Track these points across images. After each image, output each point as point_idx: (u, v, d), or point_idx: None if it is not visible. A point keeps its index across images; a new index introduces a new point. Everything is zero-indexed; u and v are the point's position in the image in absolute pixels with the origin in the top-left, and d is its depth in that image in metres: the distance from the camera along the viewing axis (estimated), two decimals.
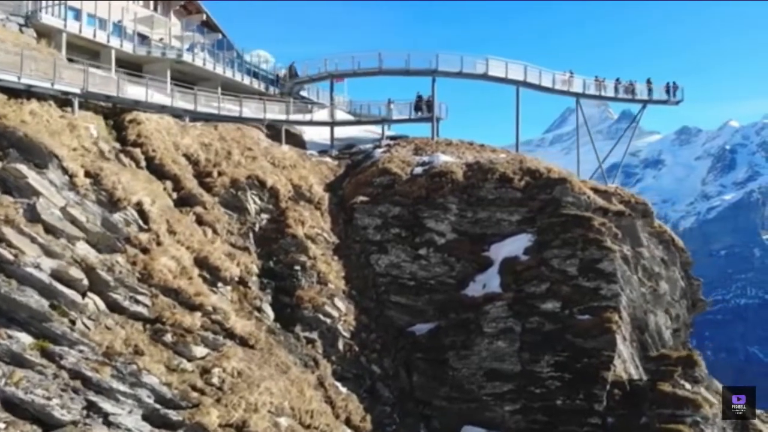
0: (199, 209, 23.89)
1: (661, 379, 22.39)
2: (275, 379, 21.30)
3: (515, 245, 27.78)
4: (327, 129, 34.82)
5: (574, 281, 25.92)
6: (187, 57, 31.34)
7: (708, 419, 21.53)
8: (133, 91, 26.35)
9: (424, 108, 34.08)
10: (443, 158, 30.69)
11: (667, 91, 41.76)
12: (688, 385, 22.20)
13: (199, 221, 23.80)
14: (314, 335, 25.21)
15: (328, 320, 25.42)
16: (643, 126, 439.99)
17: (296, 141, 33.12)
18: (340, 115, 37.20)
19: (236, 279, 23.50)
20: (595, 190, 30.50)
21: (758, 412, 43.80)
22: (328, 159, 32.59)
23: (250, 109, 31.09)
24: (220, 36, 36.99)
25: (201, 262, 22.29)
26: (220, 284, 22.90)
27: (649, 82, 40.86)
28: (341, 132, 35.68)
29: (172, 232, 21.89)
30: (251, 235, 25.65)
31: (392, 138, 35.44)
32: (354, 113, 39.78)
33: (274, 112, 31.51)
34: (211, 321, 20.90)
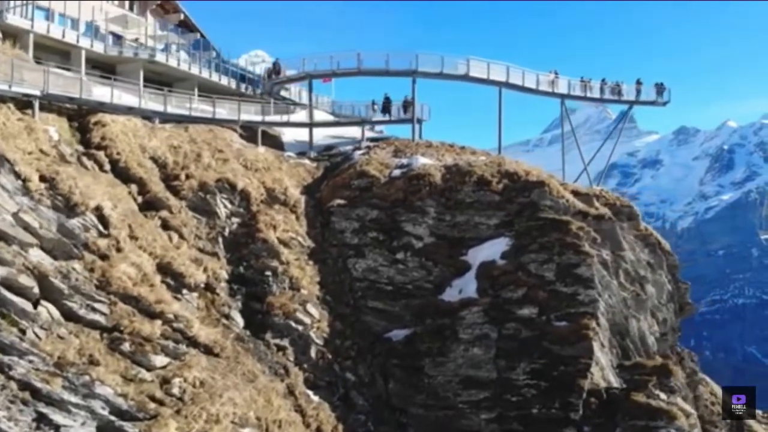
0: (164, 213, 23.31)
1: (635, 389, 21.80)
2: (240, 389, 20.70)
3: (492, 249, 27.22)
4: (308, 130, 34.22)
5: (552, 286, 25.36)
6: (160, 57, 30.74)
7: (684, 431, 20.92)
8: (102, 92, 25.78)
9: (397, 110, 33.57)
10: (422, 160, 30.12)
11: (657, 92, 41.13)
12: (663, 396, 21.60)
13: (165, 226, 23.22)
14: (285, 342, 24.61)
15: (300, 327, 24.83)
16: (641, 126, 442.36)
17: (274, 142, 32.53)
18: (321, 116, 36.62)
19: (202, 285, 22.91)
20: (577, 193, 29.91)
21: (757, 412, 43.50)
22: (306, 161, 32.02)
23: (225, 110, 30.50)
24: (198, 36, 36.38)
25: (164, 269, 21.70)
26: (185, 291, 22.32)
27: (638, 82, 40.23)
28: (323, 133, 35.09)
29: (133, 237, 21.31)
30: (221, 239, 25.05)
31: (374, 140, 34.87)
32: (336, 114, 39.19)
33: (250, 113, 30.89)
34: (173, 329, 20.29)
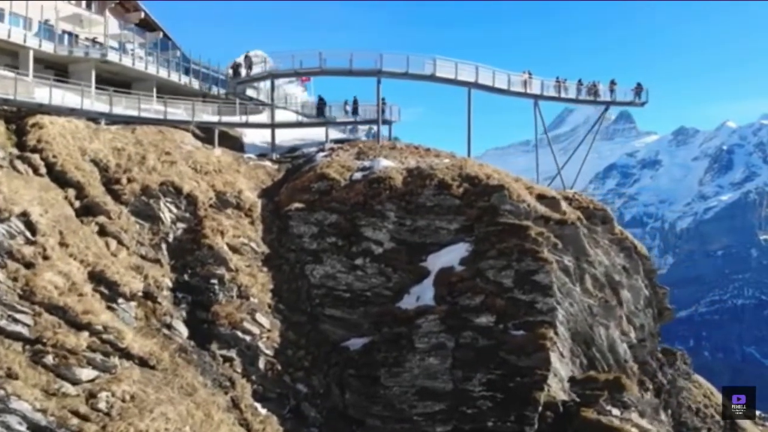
0: (102, 219, 22.37)
1: (585, 405, 20.81)
2: (176, 403, 19.80)
3: (451, 255, 26.25)
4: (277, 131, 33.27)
5: (510, 294, 24.39)
6: (113, 57, 29.76)
7: None
8: (46, 93, 24.85)
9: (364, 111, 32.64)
10: (384, 163, 29.15)
11: (636, 93, 40.16)
12: (616, 411, 20.62)
13: (102, 232, 22.29)
14: (232, 353, 23.70)
15: (248, 337, 23.88)
16: (640, 127, 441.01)
17: (234, 144, 31.58)
18: (289, 116, 35.60)
19: (140, 294, 21.96)
20: (542, 197, 28.92)
21: (759, 413, 42.56)
22: (267, 163, 31.06)
23: (182, 110, 29.53)
24: (160, 35, 35.40)
25: (97, 277, 20.78)
26: (121, 300, 21.38)
27: (612, 83, 39.24)
28: (291, 135, 34.14)
29: (64, 244, 20.37)
30: (164, 246, 24.12)
31: (340, 141, 33.90)
32: (307, 115, 38.18)
33: (208, 114, 29.91)
34: (101, 341, 19.38)
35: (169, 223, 24.53)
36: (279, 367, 24.22)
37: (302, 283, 27.42)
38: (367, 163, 29.49)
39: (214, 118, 30.25)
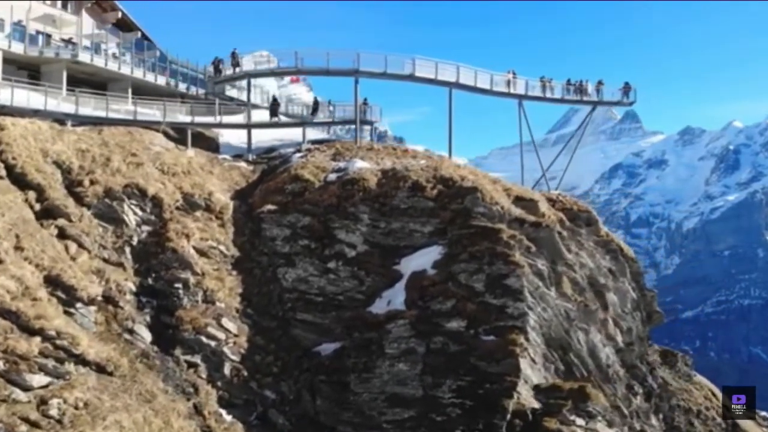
0: (62, 222, 21.96)
1: (548, 414, 20.21)
2: (132, 410, 19.38)
3: (424, 258, 25.71)
4: (255, 131, 32.81)
5: (481, 298, 23.83)
6: (83, 57, 29.38)
7: None
8: (14, 94, 24.46)
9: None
10: (359, 164, 28.64)
11: (624, 92, 39.49)
12: (580, 421, 19.98)
13: (62, 235, 21.87)
14: (197, 359, 23.21)
15: (213, 342, 23.40)
16: (646, 127, 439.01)
17: (209, 145, 31.13)
18: (260, 116, 34.99)
19: (99, 298, 21.53)
20: (520, 199, 28.31)
21: (764, 414, 42.01)
22: (242, 164, 30.62)
23: (154, 111, 29.11)
24: (138, 35, 35.00)
25: (53, 281, 20.35)
26: (79, 305, 20.94)
27: (599, 83, 38.57)
28: (270, 135, 33.66)
29: (19, 248, 19.98)
30: (128, 249, 23.67)
31: (319, 142, 33.40)
32: (290, 115, 37.75)
33: (183, 114, 29.47)
34: (55, 346, 18.94)
35: (133, 225, 24.08)
36: (245, 373, 23.74)
37: (274, 287, 26.93)
38: (342, 164, 28.99)
39: (186, 119, 29.80)
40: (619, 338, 34.90)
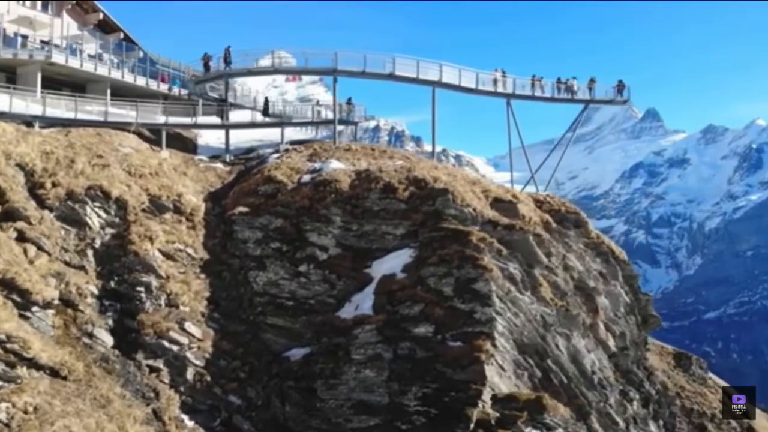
0: (21, 224, 21.70)
1: (503, 426, 19.45)
2: (84, 415, 19.07)
3: (395, 262, 25.10)
4: (236, 132, 32.50)
5: (449, 303, 23.16)
6: (58, 58, 29.19)
7: None
8: None
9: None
10: (333, 165, 28.09)
11: (618, 90, 38.46)
12: None
13: (21, 238, 21.61)
14: (159, 363, 22.89)
15: (175, 347, 23.04)
16: (667, 125, 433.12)
17: (186, 146, 30.80)
18: (240, 117, 34.55)
19: (56, 302, 21.25)
20: (499, 201, 27.54)
21: None
22: (219, 165, 30.23)
23: (127, 111, 28.84)
24: (121, 36, 34.80)
25: (7, 285, 20.05)
26: (35, 308, 20.66)
27: (591, 81, 37.56)
28: (249, 135, 33.27)
29: None
30: (90, 252, 23.35)
31: (299, 142, 32.92)
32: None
33: (158, 114, 29.17)
34: (5, 350, 18.69)
35: (97, 228, 23.77)
36: (209, 378, 23.34)
37: (245, 291, 26.50)
38: (317, 165, 28.47)
39: (160, 120, 29.49)
40: (612, 343, 33.98)
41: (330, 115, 35.64)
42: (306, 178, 27.89)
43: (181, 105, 31.71)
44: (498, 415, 19.68)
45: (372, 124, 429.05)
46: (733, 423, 40.09)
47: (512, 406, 19.82)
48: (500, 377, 22.31)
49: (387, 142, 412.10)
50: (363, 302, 24.49)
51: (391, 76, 32.22)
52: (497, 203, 27.63)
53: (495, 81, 34.94)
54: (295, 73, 32.51)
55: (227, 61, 34.60)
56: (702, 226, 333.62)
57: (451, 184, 25.63)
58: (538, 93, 36.66)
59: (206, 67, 35.19)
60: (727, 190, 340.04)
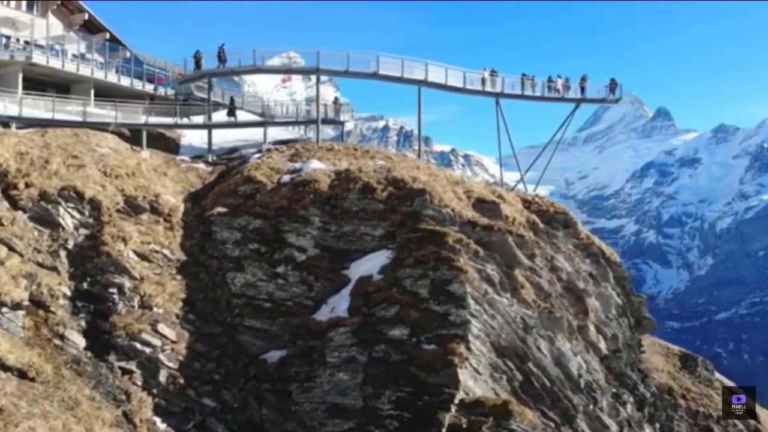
0: None
1: None
2: (51, 417, 18.94)
3: (373, 263, 24.75)
4: (219, 132, 32.28)
5: (425, 305, 22.78)
6: (38, 59, 29.11)
7: None
8: None
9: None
10: (314, 165, 27.81)
11: (609, 89, 37.89)
12: None
13: None
14: (132, 365, 22.70)
15: (148, 349, 22.83)
16: (678, 124, 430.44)
17: (168, 146, 30.61)
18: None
19: (26, 303, 21.13)
20: (482, 201, 27.13)
21: None
22: (201, 165, 30.03)
23: (107, 111, 28.69)
24: (107, 36, 34.68)
25: None
26: (5, 309, 20.59)
27: (582, 79, 37.02)
28: (234, 135, 33.04)
29: None
30: (64, 253, 23.23)
31: (284, 142, 32.65)
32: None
33: (138, 115, 29.00)
34: None
35: (71, 229, 23.63)
36: (182, 381, 23.11)
37: (222, 292, 26.25)
38: (297, 165, 28.19)
39: (141, 120, 29.33)
40: (603, 345, 33.50)
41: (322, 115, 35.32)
42: (286, 178, 27.62)
43: (165, 105, 31.53)
44: (465, 420, 19.21)
45: (381, 124, 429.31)
46: (740, 425, 39.72)
47: (478, 412, 19.38)
48: (475, 381, 21.90)
49: (396, 141, 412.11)
50: (339, 304, 24.17)
51: (375, 75, 31.90)
52: (480, 204, 27.22)
53: (483, 80, 34.50)
54: (277, 72, 32.22)
55: (221, 59, 34.22)
56: (713, 226, 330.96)
57: (430, 184, 25.26)
58: (528, 92, 36.12)
59: (198, 65, 34.81)
60: (738, 190, 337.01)
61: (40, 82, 30.20)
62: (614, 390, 32.90)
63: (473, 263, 23.35)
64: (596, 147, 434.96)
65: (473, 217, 24.96)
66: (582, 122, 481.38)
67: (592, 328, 32.83)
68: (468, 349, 21.61)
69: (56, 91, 30.91)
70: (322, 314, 24.47)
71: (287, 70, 31.58)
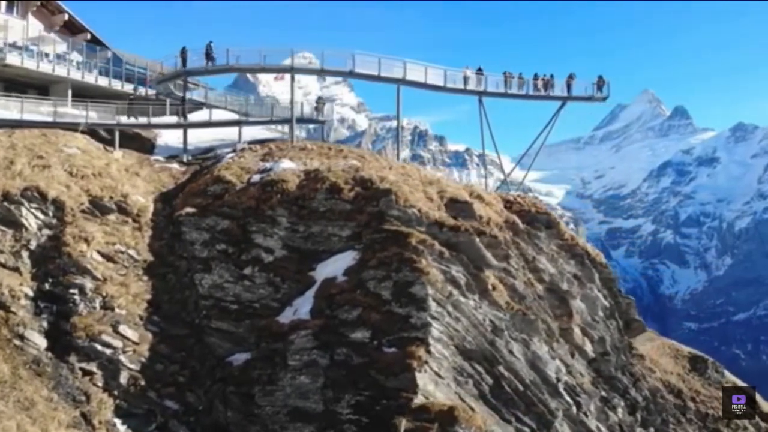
0: None
1: None
2: (5, 418, 18.97)
3: (338, 264, 24.38)
4: (197, 132, 32.12)
5: (387, 307, 22.35)
6: (12, 60, 29.15)
7: None
8: None
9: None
10: (284, 165, 27.50)
11: (597, 87, 37.16)
12: None
13: None
14: (93, 367, 22.56)
15: (108, 350, 22.67)
16: (696, 123, 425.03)
17: (143, 146, 30.49)
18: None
19: None
20: (455, 201, 26.65)
21: None
22: (175, 165, 29.87)
23: (80, 111, 28.63)
24: (88, 37, 34.68)
25: None
26: None
27: (570, 77, 36.32)
28: (211, 135, 32.85)
29: None
30: (26, 253, 23.16)
31: (260, 141, 32.41)
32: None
33: (111, 114, 28.92)
34: None
35: (34, 229, 23.56)
36: (143, 382, 22.94)
37: (190, 294, 26.03)
38: (268, 165, 27.90)
39: (113, 120, 29.24)
40: (589, 348, 32.96)
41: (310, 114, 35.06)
42: (255, 178, 27.35)
43: (141, 105, 31.43)
44: (415, 426, 18.77)
45: (395, 123, 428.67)
46: (751, 429, 39.09)
47: (423, 418, 18.93)
48: (436, 385, 21.42)
49: (410, 141, 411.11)
50: (302, 306, 23.84)
51: (351, 74, 31.55)
52: (453, 204, 26.73)
53: (465, 78, 33.96)
54: (252, 71, 32.17)
55: (209, 57, 33.79)
56: (732, 226, 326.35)
57: (397, 184, 24.82)
58: (514, 90, 35.53)
59: (184, 62, 34.48)
60: (757, 189, 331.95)
61: (19, 83, 30.25)
62: (603, 394, 32.28)
63: (437, 264, 22.88)
64: (613, 146, 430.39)
65: (441, 217, 24.47)
66: (598, 121, 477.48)
67: (577, 330, 32.24)
68: (428, 352, 21.14)
69: (36, 92, 30.95)
70: (285, 316, 24.15)
71: (261, 69, 31.31)
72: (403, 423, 20.09)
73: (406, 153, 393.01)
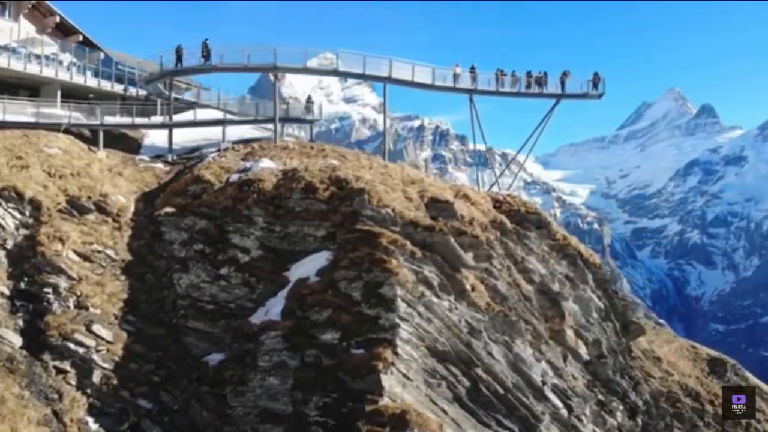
0: None
1: None
2: None
3: (312, 265, 24.15)
4: (186, 131, 32.20)
5: (357, 308, 22.06)
6: (0, 61, 29.51)
7: None
8: None
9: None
10: (263, 164, 27.40)
11: (593, 84, 36.41)
12: None
13: None
14: (66, 365, 22.70)
15: (81, 349, 22.77)
16: (723, 122, 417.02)
17: (129, 145, 30.64)
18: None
19: None
20: (436, 201, 26.28)
21: None
22: (159, 165, 29.97)
23: (66, 112, 28.87)
24: (80, 38, 34.97)
25: None
26: None
27: (564, 74, 35.61)
28: (198, 134, 32.90)
29: None
30: (3, 252, 23.40)
31: (243, 141, 32.35)
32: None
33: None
34: None
35: (11, 229, 23.79)
36: (115, 382, 23.01)
37: (168, 293, 26.07)
38: (248, 165, 27.83)
39: (95, 121, 29.42)
40: (584, 350, 32.38)
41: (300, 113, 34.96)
42: (234, 177, 27.30)
43: (128, 105, 31.60)
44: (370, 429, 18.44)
45: (416, 123, 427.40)
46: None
47: (377, 421, 18.58)
48: (404, 387, 21.06)
49: (431, 141, 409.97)
50: (274, 307, 23.65)
51: (335, 72, 31.35)
52: (434, 204, 26.37)
53: (455, 76, 33.51)
54: (235, 70, 31.89)
55: (204, 56, 33.60)
56: (760, 226, 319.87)
57: (372, 183, 24.54)
58: (506, 88, 34.99)
59: (179, 59, 34.36)
60: None
61: (9, 85, 30.59)
62: (600, 397, 31.68)
63: (409, 265, 22.54)
64: (638, 145, 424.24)
65: (416, 217, 24.11)
66: (623, 119, 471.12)
67: (570, 332, 31.67)
68: (395, 353, 20.80)
69: (28, 94, 31.29)
70: (257, 317, 24.00)
71: (244, 68, 31.25)
72: (364, 427, 19.81)
73: (427, 153, 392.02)
